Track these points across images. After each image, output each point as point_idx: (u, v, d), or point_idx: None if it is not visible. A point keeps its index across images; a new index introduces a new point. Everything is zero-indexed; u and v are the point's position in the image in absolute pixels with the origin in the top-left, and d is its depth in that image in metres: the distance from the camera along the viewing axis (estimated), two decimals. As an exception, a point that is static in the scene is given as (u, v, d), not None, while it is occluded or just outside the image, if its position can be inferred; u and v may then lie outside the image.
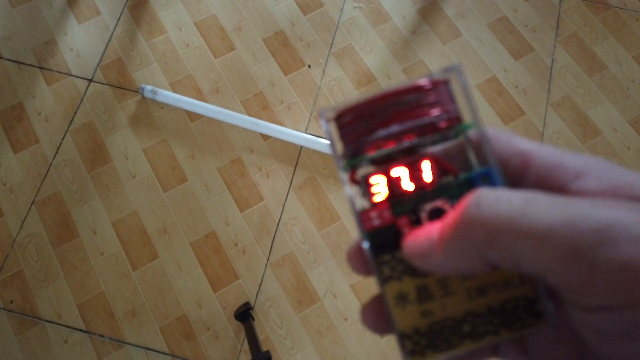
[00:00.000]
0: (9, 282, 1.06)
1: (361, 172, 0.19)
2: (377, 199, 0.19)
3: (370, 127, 0.18)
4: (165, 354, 1.02)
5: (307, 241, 1.09)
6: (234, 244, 1.09)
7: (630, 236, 0.12)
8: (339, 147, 0.19)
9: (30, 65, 1.23)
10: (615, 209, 0.13)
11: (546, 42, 1.28)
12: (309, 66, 1.24)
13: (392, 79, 1.22)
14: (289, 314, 1.05)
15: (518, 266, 0.14)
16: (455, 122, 0.18)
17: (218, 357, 1.02)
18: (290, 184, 1.13)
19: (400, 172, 0.18)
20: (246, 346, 1.00)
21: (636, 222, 0.13)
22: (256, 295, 1.06)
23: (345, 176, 0.19)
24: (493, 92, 1.23)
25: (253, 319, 1.02)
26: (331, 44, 1.26)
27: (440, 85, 0.18)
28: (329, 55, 1.25)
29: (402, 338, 0.18)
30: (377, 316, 0.18)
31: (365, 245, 0.18)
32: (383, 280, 0.18)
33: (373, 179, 0.19)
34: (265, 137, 1.16)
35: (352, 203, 0.19)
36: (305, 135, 1.14)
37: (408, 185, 0.18)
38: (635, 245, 0.12)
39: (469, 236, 0.15)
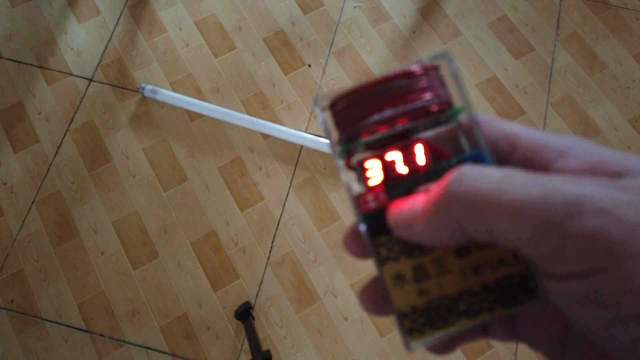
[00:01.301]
0: (10, 281, 1.06)
1: (356, 157, 0.20)
2: (373, 182, 0.19)
3: (364, 113, 0.19)
4: (166, 353, 1.02)
5: (307, 240, 1.09)
6: (234, 243, 1.09)
7: (596, 209, 0.13)
8: (334, 134, 0.20)
9: (31, 64, 1.23)
10: (585, 184, 0.14)
11: (546, 41, 1.28)
12: (309, 65, 1.24)
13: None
14: (289, 314, 1.05)
15: (495, 239, 0.15)
16: (446, 107, 0.19)
17: (218, 356, 1.02)
18: (291, 184, 1.13)
19: (395, 156, 0.19)
20: (246, 345, 1.00)
21: (603, 196, 0.14)
22: (256, 295, 1.06)
23: (341, 162, 0.20)
24: (493, 92, 1.23)
25: (253, 319, 1.02)
26: (331, 44, 1.26)
27: (430, 71, 0.19)
28: (329, 54, 1.25)
29: (401, 317, 0.18)
30: (375, 298, 0.19)
31: (363, 227, 0.19)
32: (380, 262, 0.18)
33: (368, 164, 0.19)
34: (265, 136, 1.16)
35: (348, 188, 0.19)
36: (305, 134, 1.14)
37: (402, 169, 0.19)
38: (600, 217, 0.13)
39: (450, 210, 0.16)
